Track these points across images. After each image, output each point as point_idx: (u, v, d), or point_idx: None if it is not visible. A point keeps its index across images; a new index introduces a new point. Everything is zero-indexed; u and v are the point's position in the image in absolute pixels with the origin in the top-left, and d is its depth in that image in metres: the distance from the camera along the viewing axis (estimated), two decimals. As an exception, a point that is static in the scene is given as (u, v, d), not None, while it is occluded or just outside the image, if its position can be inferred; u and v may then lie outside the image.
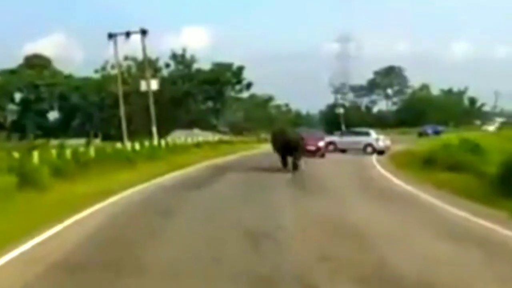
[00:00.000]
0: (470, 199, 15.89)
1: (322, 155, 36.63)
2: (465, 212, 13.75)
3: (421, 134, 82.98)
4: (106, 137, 70.92)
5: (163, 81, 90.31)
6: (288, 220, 12.91)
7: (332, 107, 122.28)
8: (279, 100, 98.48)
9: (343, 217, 13.21)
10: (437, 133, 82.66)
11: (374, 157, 38.74)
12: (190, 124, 77.85)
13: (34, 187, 17.79)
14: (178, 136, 56.43)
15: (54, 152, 23.42)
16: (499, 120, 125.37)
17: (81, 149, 27.02)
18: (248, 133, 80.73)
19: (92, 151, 26.66)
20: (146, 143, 36.23)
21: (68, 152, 24.05)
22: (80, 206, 14.76)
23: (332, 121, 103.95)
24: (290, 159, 27.02)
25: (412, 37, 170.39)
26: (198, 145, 47.51)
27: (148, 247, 10.08)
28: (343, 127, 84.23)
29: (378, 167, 29.82)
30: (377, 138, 44.73)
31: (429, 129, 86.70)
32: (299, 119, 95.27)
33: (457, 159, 25.30)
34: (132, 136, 44.98)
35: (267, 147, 41.30)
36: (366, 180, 23.14)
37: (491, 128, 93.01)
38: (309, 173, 26.46)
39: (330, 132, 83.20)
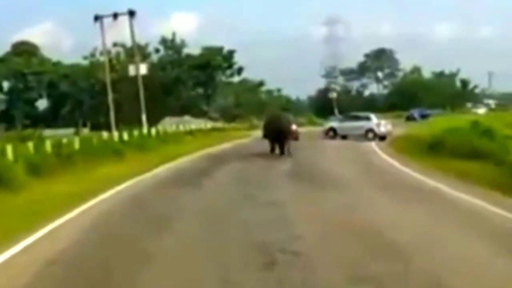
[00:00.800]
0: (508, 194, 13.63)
1: (296, 138, 34.59)
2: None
3: (408, 118, 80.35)
4: (95, 126, 68.28)
5: (152, 67, 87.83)
6: (303, 226, 10.63)
7: (323, 91, 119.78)
8: (270, 85, 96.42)
9: (368, 221, 10.89)
10: (424, 116, 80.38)
11: (374, 143, 36.62)
12: (180, 111, 75.25)
13: (7, 187, 15.41)
14: (169, 124, 54.03)
15: (31, 145, 20.83)
16: (489, 102, 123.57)
17: (64, 140, 24.44)
18: (240, 119, 78.36)
19: (76, 143, 24.12)
20: (136, 132, 33.68)
21: (48, 145, 21.50)
22: (56, 211, 12.40)
23: (323, 106, 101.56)
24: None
25: (400, 19, 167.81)
26: (190, 133, 45.05)
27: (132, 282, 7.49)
28: (336, 112, 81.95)
29: (384, 155, 27.53)
30: (378, 123, 42.05)
31: (415, 113, 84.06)
32: (288, 105, 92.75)
33: (474, 145, 23.11)
34: (121, 125, 42.56)
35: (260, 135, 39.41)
36: (376, 171, 20.93)
37: (481, 111, 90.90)
38: (310, 162, 24.40)
39: (323, 117, 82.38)
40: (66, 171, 19.50)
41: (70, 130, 64.25)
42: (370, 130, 40.97)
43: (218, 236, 10.07)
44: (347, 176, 18.72)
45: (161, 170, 21.72)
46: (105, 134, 29.64)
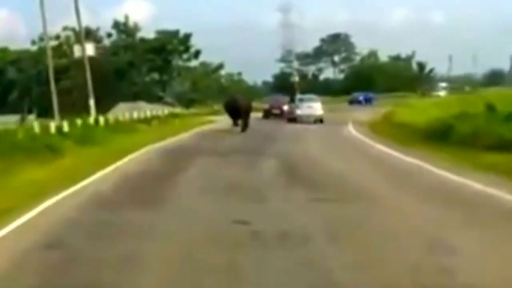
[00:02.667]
0: None
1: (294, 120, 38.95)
2: None
3: (351, 102, 74.85)
4: (43, 113, 61.26)
5: (105, 52, 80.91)
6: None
7: (281, 76, 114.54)
8: (229, 69, 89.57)
9: None
10: (368, 100, 75.34)
11: (352, 129, 31.55)
12: (134, 97, 68.55)
13: None
14: (122, 111, 47.69)
15: None
16: (442, 85, 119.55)
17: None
18: (199, 104, 72.09)
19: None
20: (79, 121, 27.29)
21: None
22: None
23: (282, 90, 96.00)
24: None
25: (354, 5, 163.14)
26: (145, 120, 38.75)
27: None
28: (298, 96, 76.53)
29: (378, 145, 22.06)
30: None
31: (360, 97, 78.54)
32: (249, 90, 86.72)
33: (500, 133, 17.81)
34: (67, 113, 36.35)
35: (227, 121, 33.74)
36: (393, 170, 15.44)
37: (442, 93, 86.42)
38: (301, 153, 18.95)
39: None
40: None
41: (15, 118, 57.33)
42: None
43: None
44: (365, 183, 13.07)
45: (105, 174, 15.38)
46: (36, 126, 23.03)
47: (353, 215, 9.35)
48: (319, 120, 39.04)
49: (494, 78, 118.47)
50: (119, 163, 17.57)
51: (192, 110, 57.09)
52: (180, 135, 29.46)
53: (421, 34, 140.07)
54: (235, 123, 31.43)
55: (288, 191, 11.83)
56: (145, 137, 27.17)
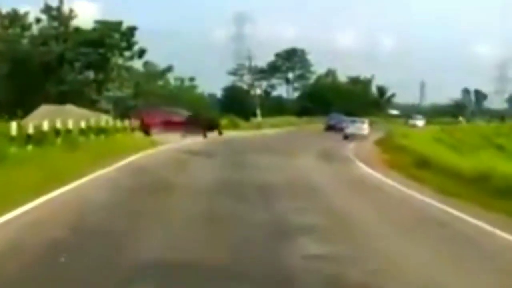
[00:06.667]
0: None
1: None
2: None
3: (329, 128, 59.45)
4: None
5: (32, 41, 64.96)
6: None
7: (231, 89, 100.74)
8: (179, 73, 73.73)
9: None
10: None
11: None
12: (62, 99, 52.85)
13: None
14: (42, 116, 32.34)
15: None
16: (394, 112, 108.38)
17: None
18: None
19: None
20: None
21: None
22: None
23: (234, 104, 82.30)
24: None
25: (310, 21, 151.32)
26: (56, 133, 23.13)
27: None
28: (258, 112, 62.92)
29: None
30: None
31: (344, 123, 63.16)
32: (202, 101, 72.03)
33: None
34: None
35: (187, 143, 19.61)
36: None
37: (419, 123, 73.65)
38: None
39: (244, 118, 63.09)
40: None
41: None
42: None
43: None
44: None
45: None
46: None
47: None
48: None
49: (458, 109, 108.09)
50: None
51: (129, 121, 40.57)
52: (90, 174, 15.29)
53: (377, 58, 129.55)
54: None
55: None
56: (30, 177, 12.76)
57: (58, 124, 21.93)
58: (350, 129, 45.54)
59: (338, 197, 14.14)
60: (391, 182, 17.67)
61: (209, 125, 38.57)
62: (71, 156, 18.06)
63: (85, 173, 15.10)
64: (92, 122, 28.62)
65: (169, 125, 38.97)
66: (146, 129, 36.98)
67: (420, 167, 21.73)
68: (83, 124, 24.58)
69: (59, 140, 21.05)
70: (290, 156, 25.24)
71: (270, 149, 28.79)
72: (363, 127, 46.80)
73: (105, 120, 34.53)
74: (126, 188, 13.70)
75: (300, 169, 20.27)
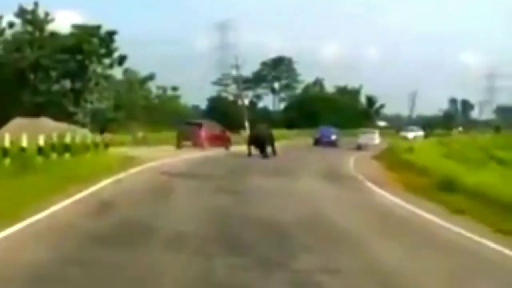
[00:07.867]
0: None
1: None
2: None
3: (318, 142, 54.55)
4: None
5: (5, 47, 60.58)
6: None
7: (216, 100, 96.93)
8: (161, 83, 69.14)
9: None
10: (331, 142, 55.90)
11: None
12: (37, 111, 48.51)
13: None
14: (16, 130, 28.15)
15: None
16: (382, 124, 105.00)
17: None
18: (118, 127, 52.70)
19: None
20: None
21: None
22: None
23: (219, 115, 78.22)
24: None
25: (291, 32, 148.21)
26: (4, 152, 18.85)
27: None
28: (247, 124, 59.00)
29: None
30: None
31: (334, 135, 58.79)
32: (186, 111, 67.85)
33: None
34: None
35: (169, 162, 16.28)
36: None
37: (418, 134, 69.38)
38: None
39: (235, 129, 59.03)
40: None
41: None
42: None
43: None
44: None
45: None
46: None
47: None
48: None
49: (447, 120, 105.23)
50: None
51: (106, 135, 36.27)
52: (18, 224, 10.57)
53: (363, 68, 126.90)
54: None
55: None
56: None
57: (6, 141, 17.77)
58: (363, 139, 49.43)
59: (374, 247, 10.09)
60: (426, 214, 13.90)
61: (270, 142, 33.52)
62: (16, 183, 14.01)
63: (26, 211, 11.03)
64: (68, 137, 24.31)
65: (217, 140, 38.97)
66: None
67: (445, 190, 18.16)
68: (41, 141, 20.33)
69: (7, 161, 16.98)
70: (292, 177, 21.51)
71: (269, 168, 25.02)
72: (374, 137, 51.93)
73: (81, 135, 30.48)
74: (80, 239, 9.47)
75: (309, 198, 16.39)
